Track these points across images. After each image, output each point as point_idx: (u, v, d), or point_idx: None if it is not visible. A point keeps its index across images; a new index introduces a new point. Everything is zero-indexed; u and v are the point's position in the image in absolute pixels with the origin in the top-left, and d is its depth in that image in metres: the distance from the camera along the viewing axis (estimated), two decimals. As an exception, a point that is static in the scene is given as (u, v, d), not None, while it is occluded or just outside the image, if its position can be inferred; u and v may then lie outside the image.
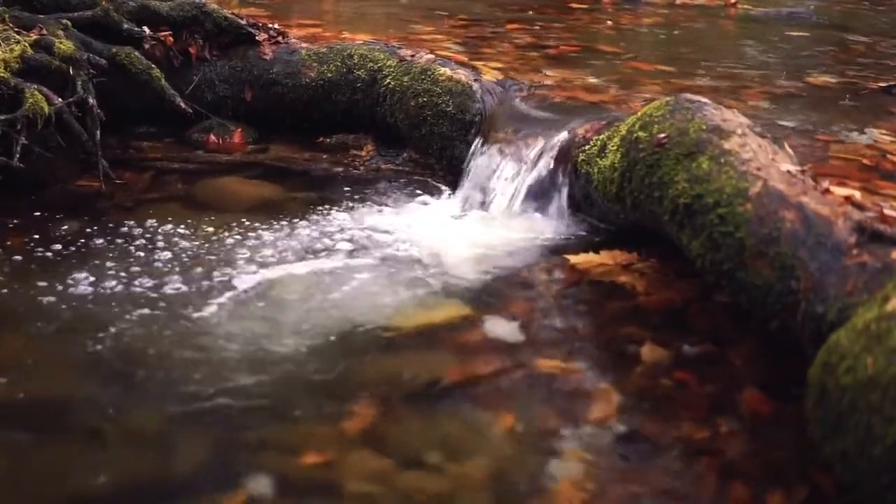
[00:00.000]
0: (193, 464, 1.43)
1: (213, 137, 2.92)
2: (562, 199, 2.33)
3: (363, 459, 1.43)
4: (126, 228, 2.25)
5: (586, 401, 1.60)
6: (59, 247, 2.14)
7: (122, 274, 2.01)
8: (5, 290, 1.93)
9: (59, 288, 1.93)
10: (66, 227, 2.26)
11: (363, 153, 2.87)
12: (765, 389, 1.61)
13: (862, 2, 6.22)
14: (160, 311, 1.86)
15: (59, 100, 2.44)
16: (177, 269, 2.05)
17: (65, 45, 2.54)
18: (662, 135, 1.89)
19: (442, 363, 1.73)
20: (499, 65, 3.13)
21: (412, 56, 2.87)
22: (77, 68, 2.53)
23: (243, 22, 2.99)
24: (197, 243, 2.18)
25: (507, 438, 1.51)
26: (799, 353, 1.50)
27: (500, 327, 1.85)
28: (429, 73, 2.75)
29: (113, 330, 1.79)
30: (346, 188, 2.61)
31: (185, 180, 2.65)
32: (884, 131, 2.59)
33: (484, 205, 2.43)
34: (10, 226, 2.26)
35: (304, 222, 2.34)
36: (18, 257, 2.07)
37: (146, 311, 1.86)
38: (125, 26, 2.79)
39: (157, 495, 1.38)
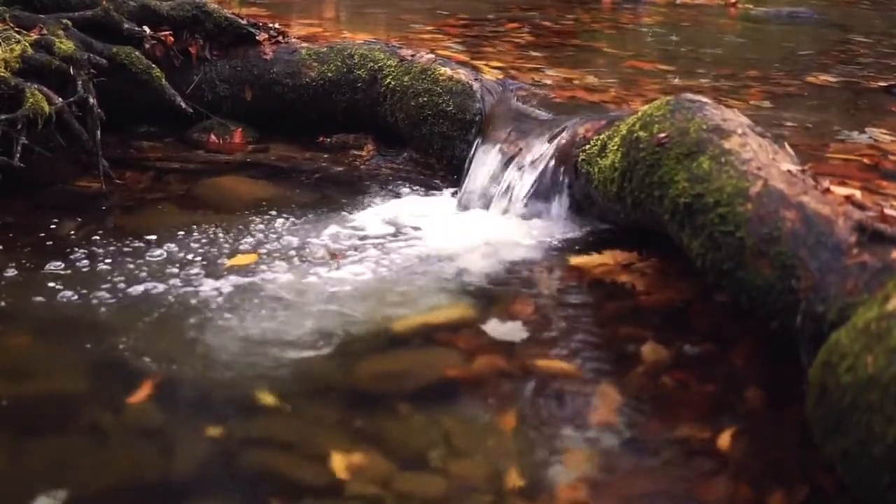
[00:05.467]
0: (193, 462, 1.43)
1: (213, 137, 2.92)
2: (562, 198, 2.32)
3: (363, 459, 1.43)
4: (126, 228, 2.25)
5: (587, 400, 1.60)
6: (59, 246, 2.14)
7: (123, 273, 2.01)
8: (6, 290, 1.93)
9: (60, 287, 1.93)
10: (66, 226, 2.26)
11: (363, 153, 2.87)
12: (765, 389, 1.61)
13: (862, 2, 6.22)
14: (160, 310, 1.86)
15: (60, 99, 2.43)
16: (177, 268, 2.05)
17: (65, 45, 2.54)
18: (663, 134, 1.89)
19: (442, 362, 1.73)
20: (499, 64, 3.13)
21: (412, 56, 2.87)
22: (77, 68, 2.53)
23: (244, 22, 2.99)
24: (197, 243, 2.18)
25: (508, 438, 1.51)
26: (799, 352, 1.50)
27: (501, 327, 1.85)
28: (429, 72, 2.75)
29: (113, 329, 1.79)
30: (347, 188, 2.61)
31: (185, 180, 2.65)
32: (884, 131, 2.59)
33: (484, 204, 2.43)
34: (11, 225, 2.26)
35: (304, 222, 2.34)
36: (18, 257, 2.07)
37: (146, 310, 1.86)
38: (126, 26, 2.79)
39: (156, 494, 1.38)
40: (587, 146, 2.24)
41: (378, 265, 2.11)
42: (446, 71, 2.74)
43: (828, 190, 1.65)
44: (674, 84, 3.05)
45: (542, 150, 2.39)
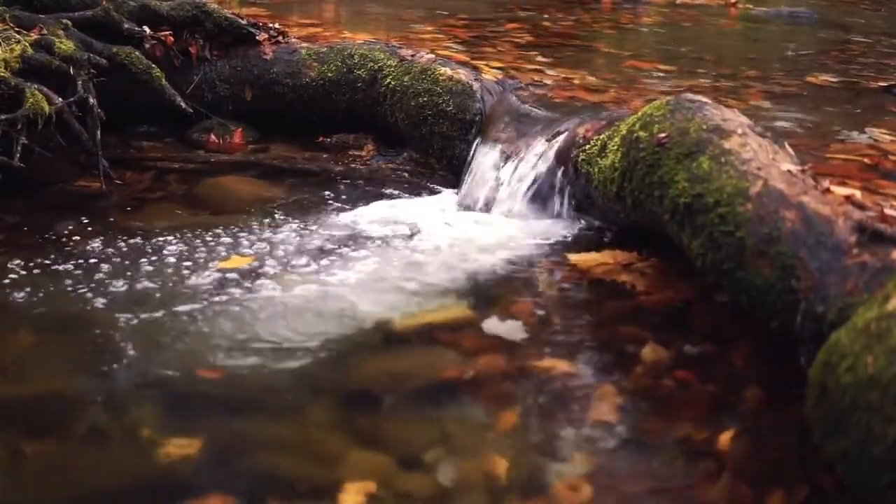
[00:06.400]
0: (192, 461, 1.42)
1: (213, 137, 2.93)
2: (562, 198, 2.33)
3: (363, 458, 1.44)
4: (126, 228, 2.25)
5: (587, 400, 1.60)
6: (59, 246, 2.14)
7: (123, 273, 2.01)
8: (6, 289, 1.93)
9: (60, 287, 1.93)
10: (66, 226, 2.26)
11: (363, 153, 2.87)
12: (765, 389, 1.61)
13: (862, 2, 6.22)
14: (160, 310, 1.86)
15: (60, 99, 2.44)
16: (177, 268, 2.04)
17: (65, 45, 2.54)
18: (663, 134, 1.89)
19: (442, 362, 1.73)
20: (499, 64, 3.13)
21: (412, 56, 2.87)
22: (77, 68, 2.53)
23: (243, 22, 2.99)
24: (197, 243, 2.18)
25: (508, 438, 1.51)
26: (799, 352, 1.50)
27: (501, 326, 1.85)
28: (429, 72, 2.75)
29: (113, 329, 1.79)
30: (347, 188, 2.61)
31: (185, 180, 2.65)
32: (884, 131, 2.59)
33: (484, 204, 2.43)
34: (11, 225, 2.26)
35: (304, 222, 2.34)
36: (18, 257, 2.07)
37: (146, 309, 1.86)
38: (126, 26, 2.79)
39: (156, 494, 1.38)
40: (587, 146, 2.24)
41: (378, 265, 2.11)
42: (446, 71, 2.74)
43: (828, 190, 1.65)
44: (674, 84, 3.05)
45: (542, 150, 2.39)
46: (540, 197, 2.36)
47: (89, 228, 2.25)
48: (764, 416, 1.55)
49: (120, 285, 1.96)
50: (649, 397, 1.61)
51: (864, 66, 3.71)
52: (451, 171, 2.67)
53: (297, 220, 2.34)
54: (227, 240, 2.20)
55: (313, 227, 2.31)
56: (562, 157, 2.34)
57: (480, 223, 2.37)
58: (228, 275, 2.02)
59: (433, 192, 2.60)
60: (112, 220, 2.32)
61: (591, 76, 3.09)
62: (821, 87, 3.24)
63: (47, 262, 2.05)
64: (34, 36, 2.55)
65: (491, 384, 1.66)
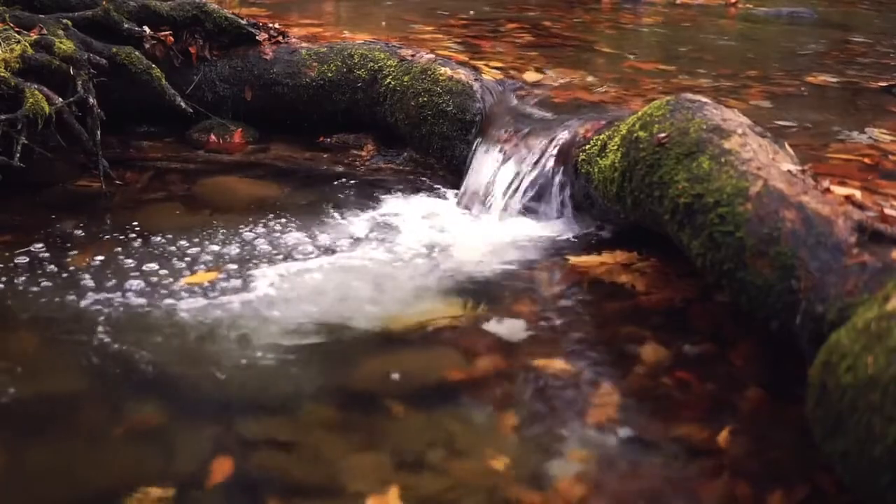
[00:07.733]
0: (192, 462, 1.43)
1: (213, 137, 2.93)
2: (562, 198, 2.33)
3: (363, 458, 1.44)
4: (126, 228, 2.25)
5: (587, 400, 1.60)
6: (59, 246, 2.14)
7: (123, 273, 2.01)
8: (6, 290, 1.93)
9: (60, 287, 1.93)
10: (66, 226, 2.26)
11: (363, 153, 2.87)
12: (765, 389, 1.62)
13: (862, 2, 6.22)
14: (160, 310, 1.86)
15: (60, 99, 2.44)
16: (177, 268, 2.05)
17: (65, 45, 2.54)
18: (663, 134, 1.89)
19: (442, 362, 1.73)
20: (499, 64, 3.13)
21: (412, 55, 2.87)
22: (77, 68, 2.53)
23: (243, 22, 2.99)
24: (197, 243, 2.18)
25: (508, 438, 1.51)
26: (799, 352, 1.50)
27: (501, 326, 1.85)
28: (429, 72, 2.75)
29: (112, 329, 1.79)
30: (347, 188, 2.61)
31: (185, 180, 2.65)
32: (884, 131, 2.59)
33: (484, 204, 2.43)
34: (11, 225, 2.26)
35: (303, 222, 2.34)
36: (19, 257, 2.07)
37: (146, 310, 1.86)
38: (125, 26, 2.79)
39: (157, 495, 1.38)
40: (587, 146, 2.25)
41: (378, 265, 2.11)
42: (446, 71, 2.74)
43: (828, 190, 1.65)
44: (673, 84, 3.05)
45: (541, 150, 2.39)
46: (540, 197, 2.36)
47: (89, 228, 2.25)
48: (764, 416, 1.56)
49: (120, 285, 1.96)
50: (649, 397, 1.62)
51: (864, 66, 3.71)
52: (451, 172, 2.67)
53: (296, 221, 2.34)
54: (227, 240, 2.20)
55: (313, 227, 2.31)
56: (562, 157, 2.34)
57: (480, 223, 2.37)
58: (228, 275, 2.02)
59: (433, 192, 2.60)
60: (112, 220, 2.32)
61: (591, 76, 3.09)
62: (821, 87, 3.24)
63: (46, 262, 2.05)
64: (34, 36, 2.55)
65: (491, 384, 1.66)
